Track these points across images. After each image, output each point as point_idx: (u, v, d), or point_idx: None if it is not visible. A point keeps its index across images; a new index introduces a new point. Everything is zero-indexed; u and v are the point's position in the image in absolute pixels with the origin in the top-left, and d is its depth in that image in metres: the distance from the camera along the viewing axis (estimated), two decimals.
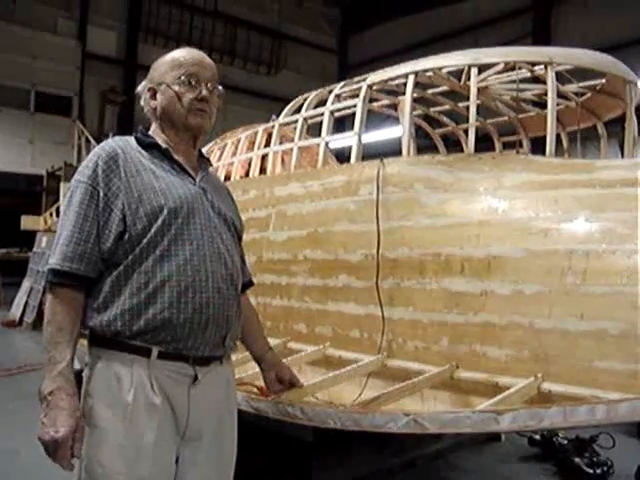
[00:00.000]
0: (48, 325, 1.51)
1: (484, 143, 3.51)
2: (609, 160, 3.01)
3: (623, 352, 1.99)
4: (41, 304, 8.40)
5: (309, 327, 3.06)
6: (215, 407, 1.67)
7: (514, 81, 3.27)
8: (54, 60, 14.71)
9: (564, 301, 2.15)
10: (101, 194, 1.56)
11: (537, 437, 4.02)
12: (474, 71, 2.79)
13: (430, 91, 3.77)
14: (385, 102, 3.92)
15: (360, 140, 3.03)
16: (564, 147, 3.73)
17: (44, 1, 14.94)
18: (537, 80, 3.23)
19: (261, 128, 4.00)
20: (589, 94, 3.44)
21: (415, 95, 3.18)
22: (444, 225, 2.58)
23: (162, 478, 1.57)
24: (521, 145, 3.95)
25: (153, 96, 1.72)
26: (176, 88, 1.67)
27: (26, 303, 9.19)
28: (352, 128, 3.05)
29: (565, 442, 3.85)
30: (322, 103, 3.49)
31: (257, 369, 2.13)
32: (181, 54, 1.72)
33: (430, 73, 3.24)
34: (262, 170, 4.19)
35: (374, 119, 4.16)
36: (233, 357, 1.86)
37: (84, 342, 1.61)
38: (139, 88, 1.77)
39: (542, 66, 2.87)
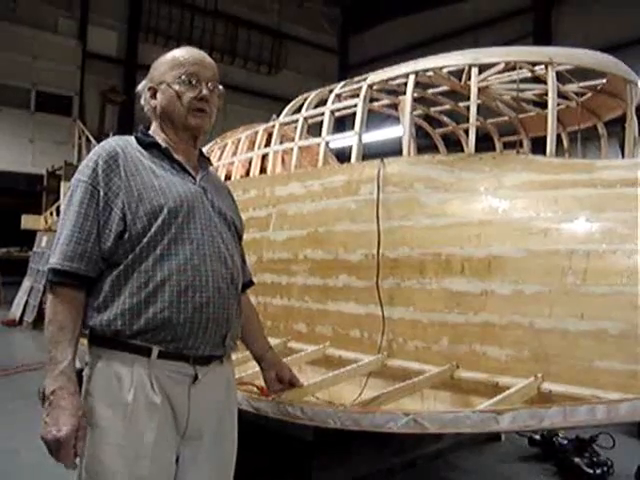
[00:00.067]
0: (49, 325, 1.51)
1: (484, 143, 3.51)
2: (609, 160, 3.01)
3: (623, 352, 1.99)
4: (41, 303, 8.41)
5: (309, 327, 3.06)
6: (215, 407, 1.67)
7: (514, 81, 3.27)
8: (54, 59, 14.73)
9: (564, 301, 2.15)
10: (101, 193, 1.56)
11: (537, 437, 4.02)
12: (474, 71, 2.79)
13: (430, 91, 3.77)
14: (385, 102, 3.92)
15: (360, 140, 3.03)
16: (564, 147, 3.73)
17: (45, 0, 14.94)
18: (538, 80, 3.22)
19: (261, 128, 4.00)
20: (590, 94, 3.44)
21: (415, 95, 3.18)
22: (444, 225, 2.58)
23: (162, 478, 1.57)
24: (521, 145, 3.95)
25: (153, 95, 1.72)
26: (176, 87, 1.67)
27: (26, 302, 9.20)
28: (352, 128, 3.05)
29: (565, 442, 3.85)
30: (322, 103, 3.49)
31: (257, 368, 2.13)
32: (181, 53, 1.72)
33: (430, 73, 3.24)
34: (262, 170, 4.19)
35: (374, 119, 4.16)
36: (233, 356, 1.86)
37: (84, 341, 1.61)
38: (139, 87, 1.77)
39: (543, 66, 2.87)
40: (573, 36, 11.60)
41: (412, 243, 2.63)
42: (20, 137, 14.29)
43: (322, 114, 3.35)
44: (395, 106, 3.95)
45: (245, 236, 1.94)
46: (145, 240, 1.55)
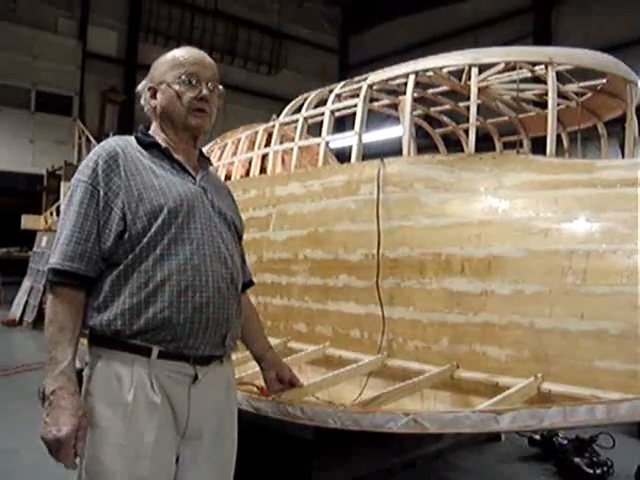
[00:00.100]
0: (49, 325, 1.51)
1: (484, 143, 3.51)
2: (609, 160, 3.01)
3: (623, 352, 1.99)
4: (41, 303, 8.42)
5: (309, 327, 3.06)
6: (215, 406, 1.67)
7: (514, 81, 3.27)
8: (55, 59, 14.74)
9: (564, 301, 2.15)
10: (101, 193, 1.56)
11: (537, 437, 4.02)
12: (475, 71, 2.79)
13: (430, 91, 3.77)
14: (385, 102, 3.92)
15: (360, 140, 3.03)
16: (564, 147, 3.73)
17: (45, 0, 14.94)
18: (538, 80, 3.22)
19: (261, 128, 4.00)
20: (590, 94, 3.44)
21: (415, 95, 3.18)
22: (444, 225, 2.58)
23: (162, 477, 1.57)
24: (521, 145, 3.95)
25: (153, 95, 1.72)
26: (176, 87, 1.67)
27: (26, 302, 9.20)
28: (352, 128, 3.05)
29: (565, 442, 3.85)
30: (322, 103, 3.49)
31: (257, 368, 2.13)
32: (181, 53, 1.72)
33: (430, 73, 3.24)
34: (262, 170, 4.19)
35: (374, 119, 4.16)
36: (233, 356, 1.86)
37: (84, 341, 1.61)
38: (139, 87, 1.77)
39: (543, 66, 2.87)
40: (573, 36, 11.60)
41: (412, 243, 2.63)
42: (20, 137, 14.30)
43: (322, 114, 3.35)
44: (395, 106, 3.95)
45: (245, 236, 1.94)
46: (145, 240, 1.55)
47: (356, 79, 3.39)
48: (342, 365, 2.67)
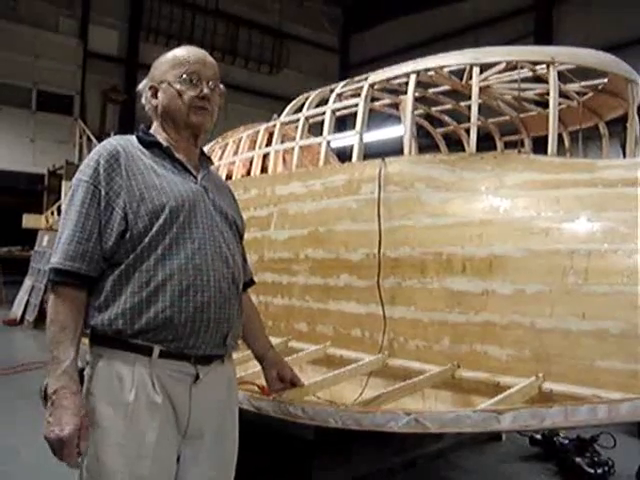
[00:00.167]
0: (51, 324, 1.51)
1: (486, 142, 3.51)
2: (611, 160, 3.01)
3: (624, 352, 1.99)
4: (42, 303, 8.42)
5: (310, 326, 3.06)
6: (216, 406, 1.67)
7: (516, 80, 3.26)
8: (56, 59, 14.73)
9: (565, 301, 2.15)
10: (102, 193, 1.56)
11: (538, 437, 4.03)
12: (476, 70, 2.79)
13: (432, 90, 3.77)
14: (387, 101, 3.92)
15: (362, 139, 3.03)
16: (566, 147, 3.72)
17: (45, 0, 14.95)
18: (539, 79, 3.22)
19: (262, 127, 4.01)
20: (591, 94, 3.44)
21: (417, 94, 3.18)
22: (445, 224, 2.58)
23: (163, 477, 1.57)
24: (523, 144, 3.95)
25: (154, 94, 1.72)
26: (177, 86, 1.67)
27: (27, 301, 9.21)
28: (354, 127, 3.05)
29: (566, 442, 3.85)
30: (324, 102, 3.49)
31: (258, 368, 2.13)
32: (182, 52, 1.72)
33: (432, 72, 3.23)
34: (263, 169, 4.19)
35: (375, 118, 4.16)
36: (234, 356, 1.86)
37: (85, 341, 1.61)
38: (140, 86, 1.77)
39: (544, 65, 2.87)
40: (574, 36, 11.59)
41: (413, 242, 2.63)
42: (21, 136, 14.30)
43: (323, 113, 3.35)
44: (396, 105, 3.95)
45: (246, 235, 1.94)
46: (147, 239, 1.55)
47: (357, 78, 3.39)
48: (343, 365, 2.67)
